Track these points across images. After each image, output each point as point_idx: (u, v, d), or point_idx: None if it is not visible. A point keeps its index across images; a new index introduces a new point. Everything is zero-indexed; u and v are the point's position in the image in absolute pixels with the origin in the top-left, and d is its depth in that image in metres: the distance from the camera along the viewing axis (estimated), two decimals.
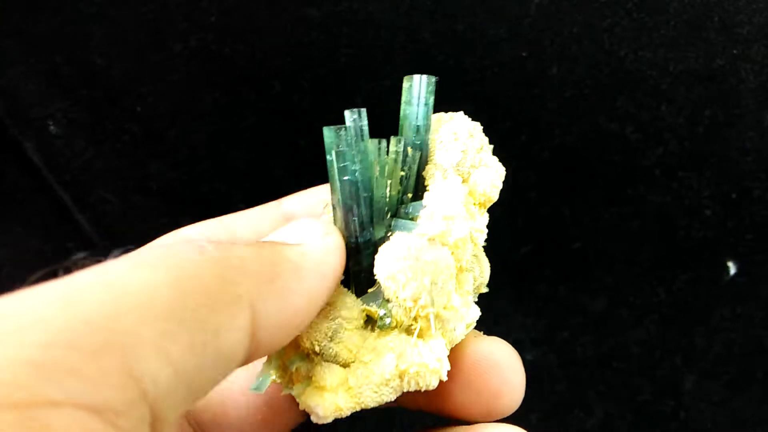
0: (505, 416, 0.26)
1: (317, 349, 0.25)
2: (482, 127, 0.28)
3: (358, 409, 0.25)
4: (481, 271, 0.28)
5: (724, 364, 0.46)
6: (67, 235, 0.45)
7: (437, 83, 0.28)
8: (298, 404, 0.27)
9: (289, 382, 0.26)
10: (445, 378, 0.25)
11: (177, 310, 0.17)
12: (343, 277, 0.25)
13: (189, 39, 0.42)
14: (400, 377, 0.25)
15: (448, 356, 0.25)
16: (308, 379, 0.26)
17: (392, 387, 0.25)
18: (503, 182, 0.29)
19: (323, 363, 0.25)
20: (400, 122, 0.28)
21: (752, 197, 0.44)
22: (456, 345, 0.26)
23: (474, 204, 0.27)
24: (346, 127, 0.26)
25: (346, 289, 0.26)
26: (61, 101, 0.43)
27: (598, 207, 0.45)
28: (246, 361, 0.20)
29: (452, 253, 0.25)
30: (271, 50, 0.43)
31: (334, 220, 0.26)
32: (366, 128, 0.27)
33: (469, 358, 0.26)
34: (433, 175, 0.27)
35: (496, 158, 0.28)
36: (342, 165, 0.26)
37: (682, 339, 0.46)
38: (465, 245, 0.25)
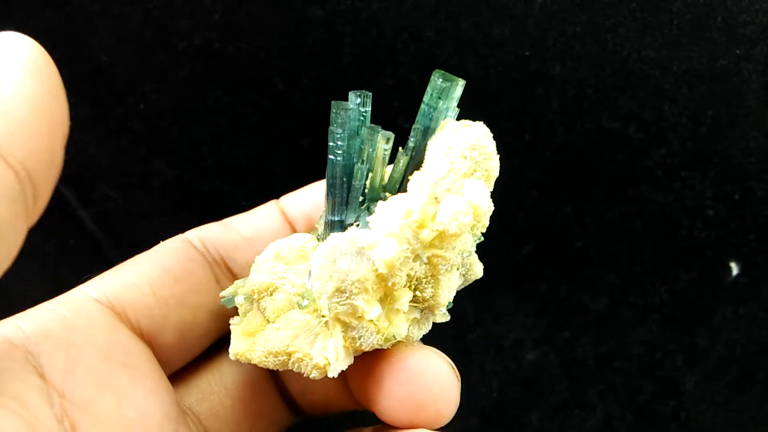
0: (434, 428, 0.26)
1: (256, 297, 0.27)
2: (493, 152, 0.26)
3: (251, 362, 0.27)
4: (435, 293, 0.26)
5: (726, 364, 0.46)
6: (69, 231, 0.45)
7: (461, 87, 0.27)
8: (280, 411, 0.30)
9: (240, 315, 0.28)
10: (331, 375, 0.26)
11: None
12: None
13: (193, 37, 0.42)
14: (288, 355, 0.26)
15: (363, 360, 0.27)
16: (244, 317, 0.28)
17: (279, 360, 0.26)
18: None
19: (256, 311, 0.27)
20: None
21: (755, 197, 0.44)
22: (382, 352, 0.27)
23: (432, 230, 0.24)
24: (347, 108, 0.26)
25: (310, 256, 0.27)
26: None
27: (600, 206, 0.45)
28: None
29: (376, 270, 0.25)
30: (274, 49, 0.43)
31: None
32: (368, 114, 0.27)
33: (393, 367, 0.26)
34: (410, 183, 0.26)
35: (487, 191, 0.25)
36: (331, 143, 0.26)
37: (683, 339, 0.46)
38: (395, 268, 0.25)
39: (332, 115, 0.26)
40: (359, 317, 0.25)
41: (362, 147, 0.27)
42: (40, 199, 0.20)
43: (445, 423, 0.26)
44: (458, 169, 0.25)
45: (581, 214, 0.45)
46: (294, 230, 0.32)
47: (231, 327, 0.28)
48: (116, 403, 0.24)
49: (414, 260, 0.25)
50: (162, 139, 0.44)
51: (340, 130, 0.26)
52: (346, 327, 0.26)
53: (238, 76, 0.43)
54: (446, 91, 0.27)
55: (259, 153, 0.45)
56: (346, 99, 0.28)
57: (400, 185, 0.28)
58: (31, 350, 0.23)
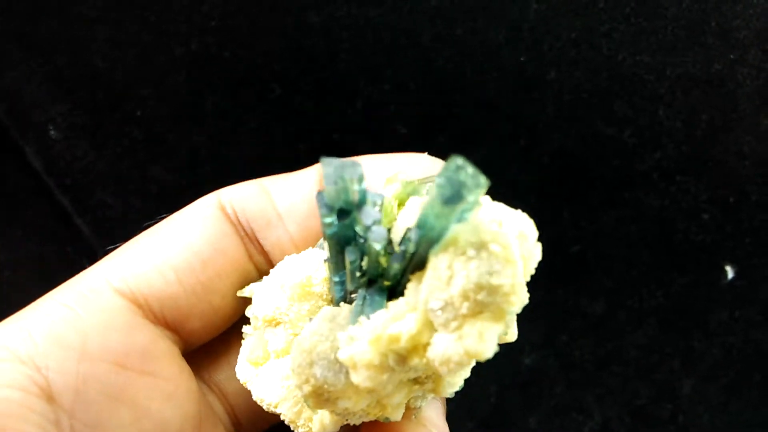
0: None
1: (260, 325, 0.26)
2: (516, 287, 0.19)
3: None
4: (437, 388, 0.24)
5: (723, 367, 0.47)
6: (67, 239, 0.45)
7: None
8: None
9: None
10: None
11: None
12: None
13: (190, 42, 0.43)
14: (276, 409, 0.25)
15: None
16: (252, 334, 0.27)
17: (270, 410, 0.25)
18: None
19: (260, 339, 0.26)
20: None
21: (750, 201, 0.44)
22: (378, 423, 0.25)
23: (422, 363, 0.20)
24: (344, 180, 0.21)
25: (315, 292, 0.25)
26: (62, 104, 0.44)
27: (596, 210, 0.45)
28: None
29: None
30: (272, 54, 0.43)
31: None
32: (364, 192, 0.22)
33: None
34: (407, 293, 0.21)
35: (493, 336, 0.19)
36: (321, 212, 0.22)
37: (680, 343, 0.47)
38: (377, 391, 0.21)
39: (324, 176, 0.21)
40: (342, 412, 0.23)
41: (355, 230, 0.22)
42: None
43: None
44: (458, 307, 0.19)
45: (578, 219, 0.45)
46: None
47: (243, 338, 0.26)
48: (132, 417, 0.23)
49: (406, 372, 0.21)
50: (160, 145, 0.44)
51: (325, 210, 0.21)
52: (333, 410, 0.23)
53: (236, 81, 0.43)
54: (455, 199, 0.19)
55: (257, 158, 0.45)
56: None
57: (400, 279, 0.22)
58: (40, 365, 0.22)
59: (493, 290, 0.19)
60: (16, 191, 0.45)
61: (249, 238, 0.28)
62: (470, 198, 0.19)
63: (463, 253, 0.19)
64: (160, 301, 0.25)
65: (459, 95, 0.43)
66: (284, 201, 0.28)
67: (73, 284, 0.25)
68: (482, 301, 0.19)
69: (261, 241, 0.28)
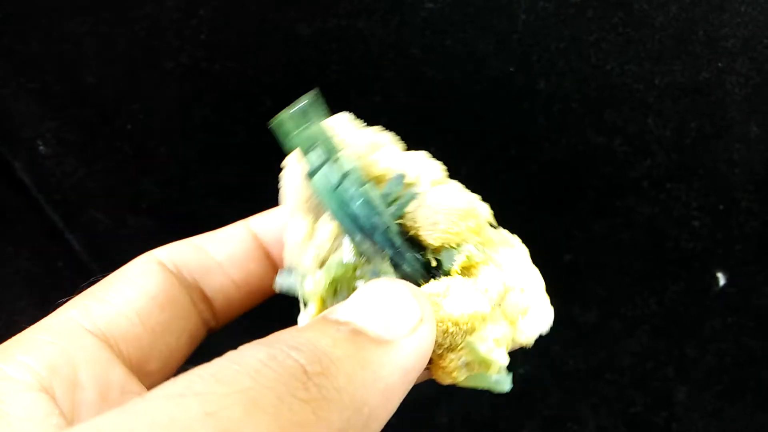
0: None
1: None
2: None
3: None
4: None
5: (716, 374, 0.47)
6: (58, 255, 0.45)
7: None
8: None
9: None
10: None
11: None
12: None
13: (180, 56, 0.42)
14: None
15: None
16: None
17: None
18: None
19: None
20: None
21: (740, 208, 0.44)
22: None
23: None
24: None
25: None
26: (51, 120, 0.43)
27: (588, 219, 0.45)
28: None
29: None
30: (262, 67, 0.43)
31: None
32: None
33: None
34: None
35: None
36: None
37: (673, 350, 0.47)
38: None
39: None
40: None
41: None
42: None
43: None
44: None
45: (569, 228, 0.45)
46: (267, 254, 0.31)
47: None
48: None
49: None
50: (150, 160, 0.44)
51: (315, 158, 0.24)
52: None
53: (226, 94, 0.43)
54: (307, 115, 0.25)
55: (248, 171, 0.45)
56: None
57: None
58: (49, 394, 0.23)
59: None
60: (5, 207, 0.45)
61: (192, 287, 0.30)
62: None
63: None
64: (127, 342, 0.27)
65: (449, 106, 0.43)
66: (220, 250, 0.30)
67: (45, 323, 0.26)
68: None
69: (203, 288, 0.30)
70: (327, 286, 0.25)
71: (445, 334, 0.23)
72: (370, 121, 0.43)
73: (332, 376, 0.18)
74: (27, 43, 0.42)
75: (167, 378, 0.28)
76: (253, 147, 0.44)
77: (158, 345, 0.28)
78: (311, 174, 0.24)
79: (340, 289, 0.25)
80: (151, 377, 0.28)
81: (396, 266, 0.24)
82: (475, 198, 0.26)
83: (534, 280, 0.27)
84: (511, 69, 0.42)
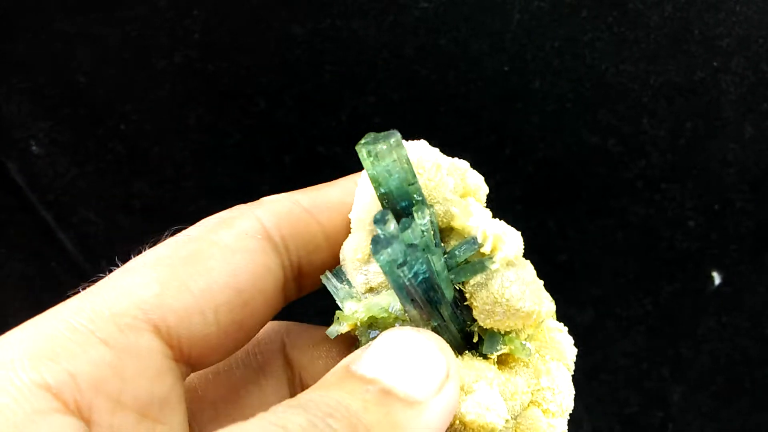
0: None
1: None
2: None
3: None
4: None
5: (712, 374, 0.47)
6: (51, 255, 0.45)
7: None
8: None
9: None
10: None
11: None
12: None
13: (173, 56, 0.42)
14: None
15: None
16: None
17: None
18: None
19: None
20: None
21: (734, 208, 0.44)
22: None
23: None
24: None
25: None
26: (43, 121, 0.43)
27: (582, 219, 0.45)
28: None
29: None
30: (255, 67, 0.43)
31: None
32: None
33: None
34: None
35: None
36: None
37: (668, 350, 0.47)
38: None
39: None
40: None
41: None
42: None
43: None
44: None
45: (564, 228, 0.45)
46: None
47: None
48: None
49: None
50: (143, 160, 0.44)
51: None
52: None
53: (220, 94, 0.43)
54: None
55: (242, 171, 0.45)
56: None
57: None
58: (85, 416, 0.20)
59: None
60: None
61: (292, 267, 0.26)
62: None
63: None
64: (191, 342, 0.23)
65: (443, 105, 0.43)
66: (330, 222, 0.26)
67: (101, 312, 0.21)
68: None
69: (303, 266, 0.26)
70: (365, 320, 0.24)
71: (452, 427, 0.23)
72: (364, 121, 0.43)
73: None
74: (18, 43, 0.42)
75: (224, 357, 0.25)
76: (247, 147, 0.44)
77: (227, 343, 0.24)
78: (376, 247, 0.21)
79: (375, 325, 0.24)
80: (203, 365, 0.24)
81: (437, 332, 0.24)
82: (547, 297, 0.26)
83: (565, 406, 0.26)
84: (506, 68, 0.42)
